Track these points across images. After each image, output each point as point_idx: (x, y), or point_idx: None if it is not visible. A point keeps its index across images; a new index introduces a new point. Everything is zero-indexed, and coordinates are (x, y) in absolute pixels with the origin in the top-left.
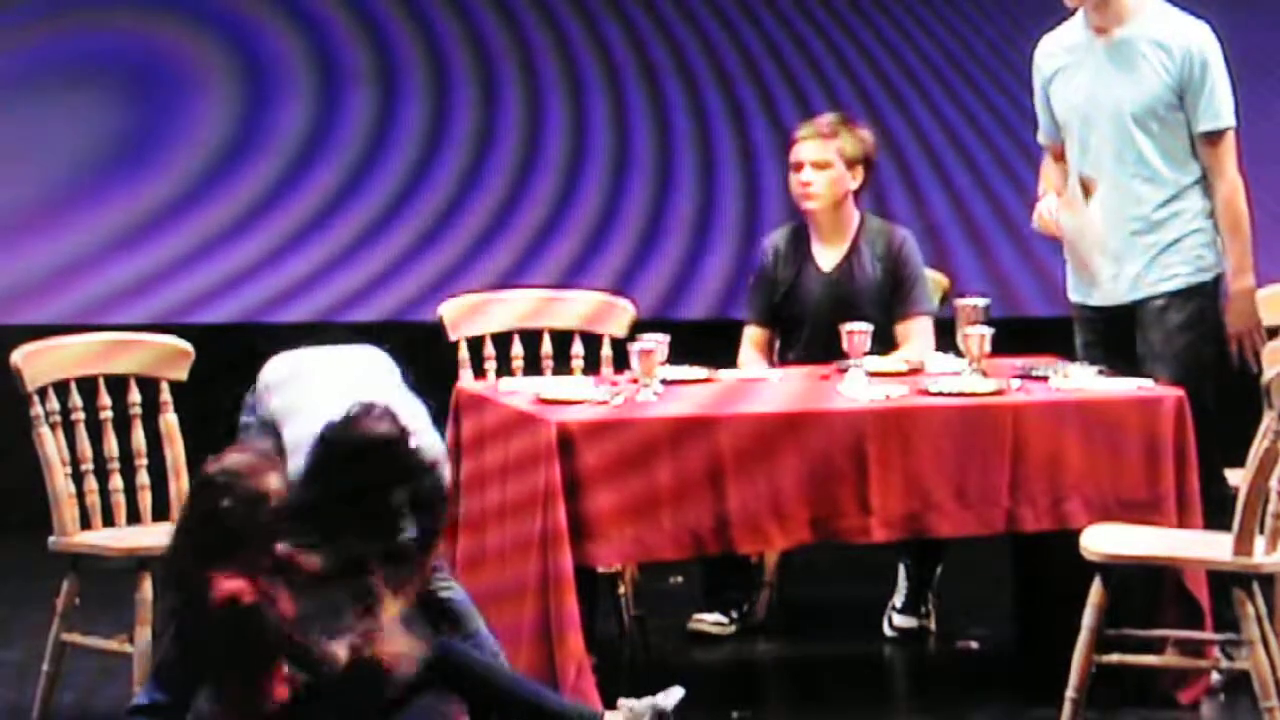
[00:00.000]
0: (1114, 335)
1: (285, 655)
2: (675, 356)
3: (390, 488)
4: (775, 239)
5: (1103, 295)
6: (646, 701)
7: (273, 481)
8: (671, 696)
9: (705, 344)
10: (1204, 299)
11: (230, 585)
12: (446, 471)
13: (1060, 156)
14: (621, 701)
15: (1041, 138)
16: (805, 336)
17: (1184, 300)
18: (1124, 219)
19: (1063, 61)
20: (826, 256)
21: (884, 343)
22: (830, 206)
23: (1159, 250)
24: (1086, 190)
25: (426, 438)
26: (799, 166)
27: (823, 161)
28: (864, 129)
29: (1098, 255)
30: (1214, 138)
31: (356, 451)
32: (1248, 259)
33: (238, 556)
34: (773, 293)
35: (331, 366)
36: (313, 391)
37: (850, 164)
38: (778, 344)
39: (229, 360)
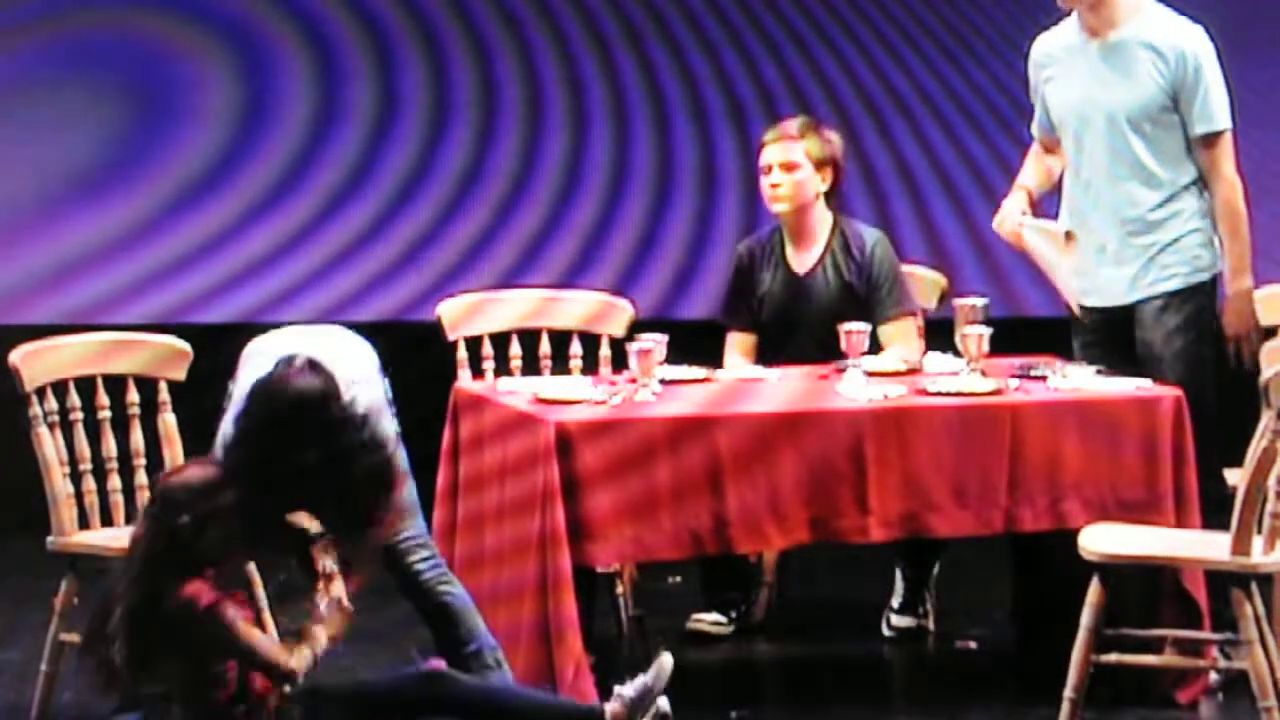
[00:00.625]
0: (1111, 336)
1: (239, 659)
2: (675, 356)
3: (307, 440)
4: (749, 244)
5: (1099, 296)
6: (639, 682)
7: (228, 498)
8: (663, 670)
9: (704, 344)
10: (1202, 298)
11: (188, 590)
12: (384, 440)
13: (1051, 149)
14: (616, 690)
15: (1035, 129)
16: (783, 340)
17: (1182, 300)
18: (1121, 220)
19: (1058, 63)
20: (800, 260)
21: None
22: (800, 208)
23: (1156, 251)
24: (1069, 238)
25: (383, 421)
26: (767, 169)
27: (790, 163)
28: (831, 131)
29: (1069, 281)
30: (1210, 140)
31: (273, 403)
32: (1246, 260)
33: (191, 569)
34: (750, 297)
35: (302, 334)
36: (268, 347)
37: (818, 166)
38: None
39: (229, 360)
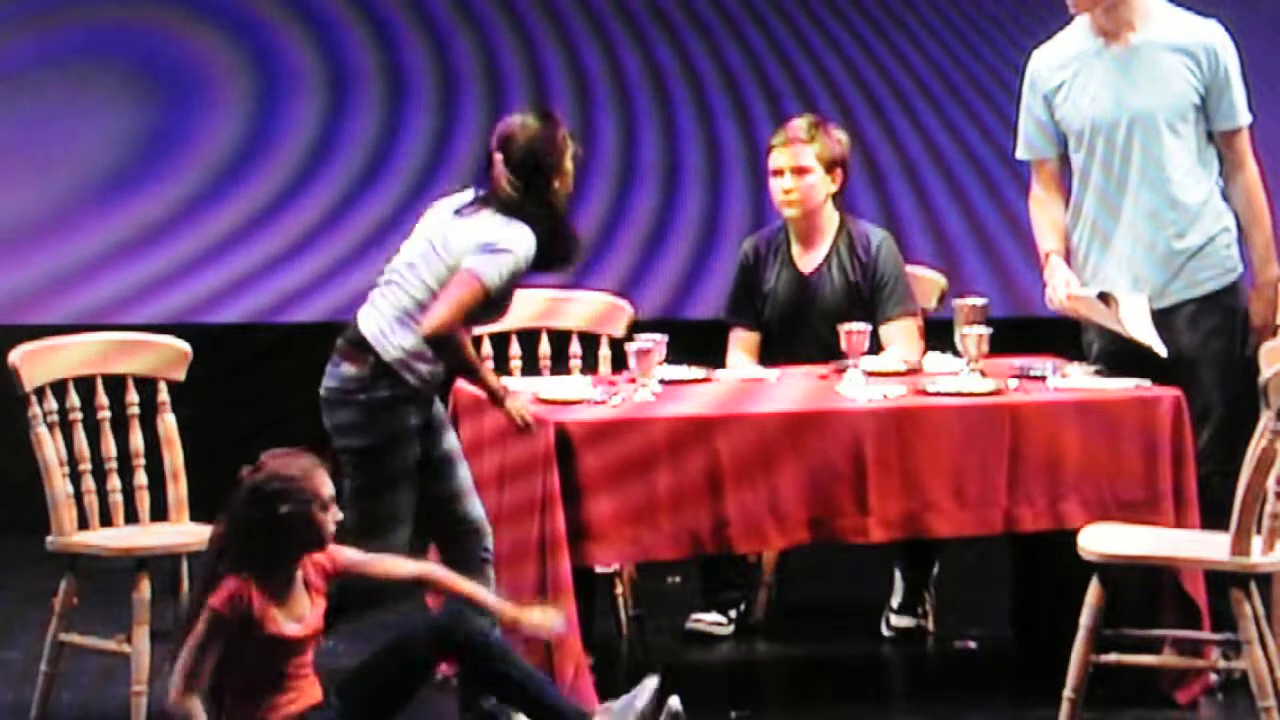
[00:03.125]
0: (1130, 343)
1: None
2: (681, 356)
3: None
4: (754, 241)
5: None
6: (624, 701)
7: (325, 483)
8: (645, 690)
9: (711, 344)
10: (1232, 299)
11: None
12: None
13: (1051, 174)
14: (603, 705)
15: (1027, 153)
16: (788, 339)
17: (1214, 303)
18: (1153, 227)
19: (1068, 73)
20: (806, 260)
21: (870, 345)
22: (811, 211)
23: (1187, 257)
24: (1106, 301)
25: None
26: (779, 173)
27: (801, 168)
28: (839, 131)
29: (1140, 334)
30: (1236, 134)
31: None
32: (1273, 248)
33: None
34: (755, 295)
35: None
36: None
37: (828, 168)
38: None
39: (237, 361)
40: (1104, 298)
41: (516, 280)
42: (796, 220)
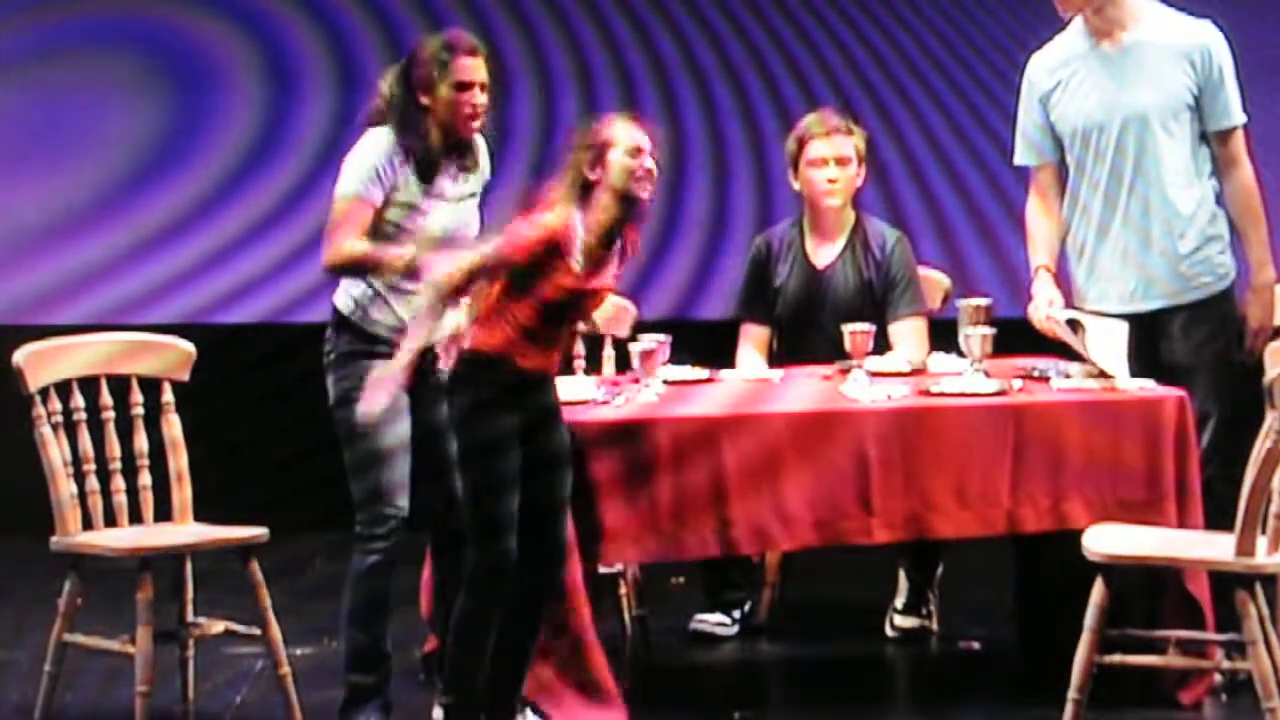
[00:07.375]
0: (1132, 342)
1: None
2: (689, 357)
3: None
4: (767, 236)
5: (1121, 304)
6: None
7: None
8: None
9: (720, 344)
10: (1225, 304)
11: None
12: None
13: (1050, 180)
14: None
15: (1030, 158)
16: (799, 334)
17: (1207, 310)
18: (1147, 225)
19: (1063, 74)
20: (820, 255)
21: (877, 343)
22: (846, 203)
23: (1181, 259)
24: (1075, 328)
25: None
26: (822, 163)
27: (843, 158)
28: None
29: (1105, 364)
30: (1231, 134)
31: None
32: (1269, 250)
33: None
34: (767, 290)
35: None
36: None
37: (860, 161)
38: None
39: (245, 362)
40: (1074, 325)
41: (392, 181)
42: (830, 211)
